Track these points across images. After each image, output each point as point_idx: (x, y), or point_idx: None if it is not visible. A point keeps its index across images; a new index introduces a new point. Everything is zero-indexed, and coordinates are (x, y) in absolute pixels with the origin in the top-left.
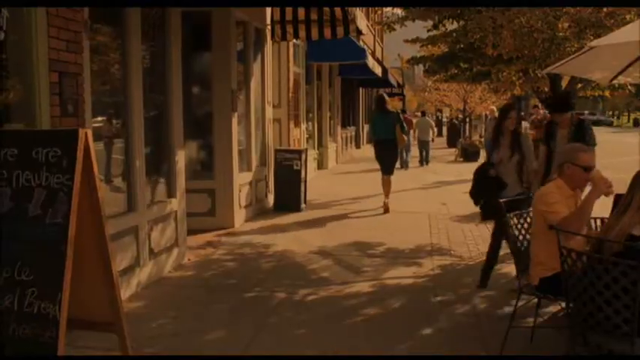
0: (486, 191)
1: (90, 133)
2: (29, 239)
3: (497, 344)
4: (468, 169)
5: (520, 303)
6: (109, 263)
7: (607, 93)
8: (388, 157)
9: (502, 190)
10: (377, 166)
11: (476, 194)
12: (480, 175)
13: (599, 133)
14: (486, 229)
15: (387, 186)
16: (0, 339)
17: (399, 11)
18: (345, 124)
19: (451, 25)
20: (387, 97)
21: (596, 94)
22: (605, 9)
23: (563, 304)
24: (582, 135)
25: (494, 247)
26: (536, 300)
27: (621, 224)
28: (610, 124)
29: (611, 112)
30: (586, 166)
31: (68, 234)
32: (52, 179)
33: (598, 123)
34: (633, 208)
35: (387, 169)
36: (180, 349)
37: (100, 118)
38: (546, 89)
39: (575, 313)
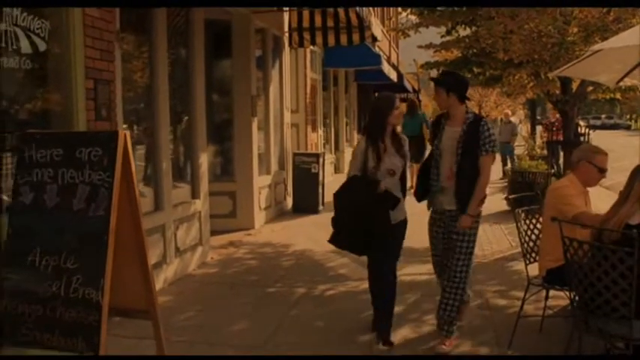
0: (374, 214)
1: (128, 134)
2: (74, 231)
3: (509, 334)
4: None
5: (531, 297)
6: (144, 254)
7: (618, 95)
8: (415, 148)
9: (394, 209)
10: None
11: (353, 221)
12: (359, 194)
13: (616, 136)
14: (499, 229)
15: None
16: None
17: (413, 17)
18: (361, 129)
19: (464, 31)
20: (417, 103)
21: (607, 96)
22: (612, 14)
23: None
24: (476, 137)
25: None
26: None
27: (620, 214)
28: (628, 128)
29: (628, 116)
30: (601, 167)
31: (109, 226)
32: (94, 176)
33: (616, 126)
34: (631, 199)
35: (414, 158)
36: (206, 339)
37: (129, 123)
38: (557, 92)
39: (578, 298)
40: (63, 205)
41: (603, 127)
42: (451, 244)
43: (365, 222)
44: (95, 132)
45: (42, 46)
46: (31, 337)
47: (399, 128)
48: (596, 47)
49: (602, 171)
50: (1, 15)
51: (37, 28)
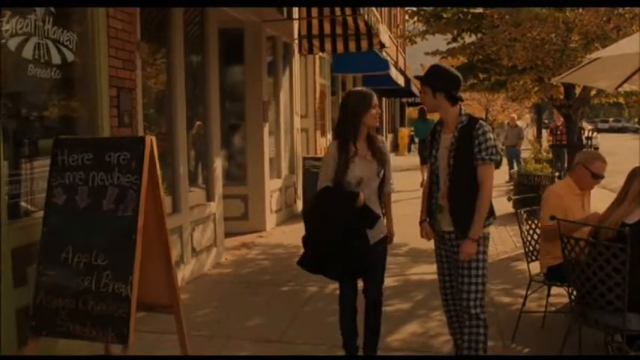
0: (349, 232)
1: (154, 140)
2: (104, 230)
3: (512, 329)
4: None
5: (534, 294)
6: (168, 252)
7: (621, 99)
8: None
9: (372, 227)
10: (398, 174)
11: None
12: (331, 209)
13: (623, 139)
14: (505, 230)
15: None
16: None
17: (419, 25)
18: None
19: (469, 38)
20: (425, 109)
21: (611, 100)
22: (611, 23)
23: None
24: (469, 144)
25: (348, 316)
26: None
27: (617, 213)
28: (635, 131)
29: (637, 119)
30: (595, 173)
31: (137, 225)
32: (123, 179)
33: (624, 130)
34: (628, 200)
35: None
36: (224, 333)
37: (148, 128)
38: (561, 97)
39: (576, 292)
40: (93, 205)
41: (611, 130)
42: (456, 270)
43: (339, 242)
44: (123, 137)
45: (70, 57)
46: (64, 328)
47: (405, 131)
48: (593, 55)
49: (596, 177)
50: (35, 29)
51: (66, 40)
